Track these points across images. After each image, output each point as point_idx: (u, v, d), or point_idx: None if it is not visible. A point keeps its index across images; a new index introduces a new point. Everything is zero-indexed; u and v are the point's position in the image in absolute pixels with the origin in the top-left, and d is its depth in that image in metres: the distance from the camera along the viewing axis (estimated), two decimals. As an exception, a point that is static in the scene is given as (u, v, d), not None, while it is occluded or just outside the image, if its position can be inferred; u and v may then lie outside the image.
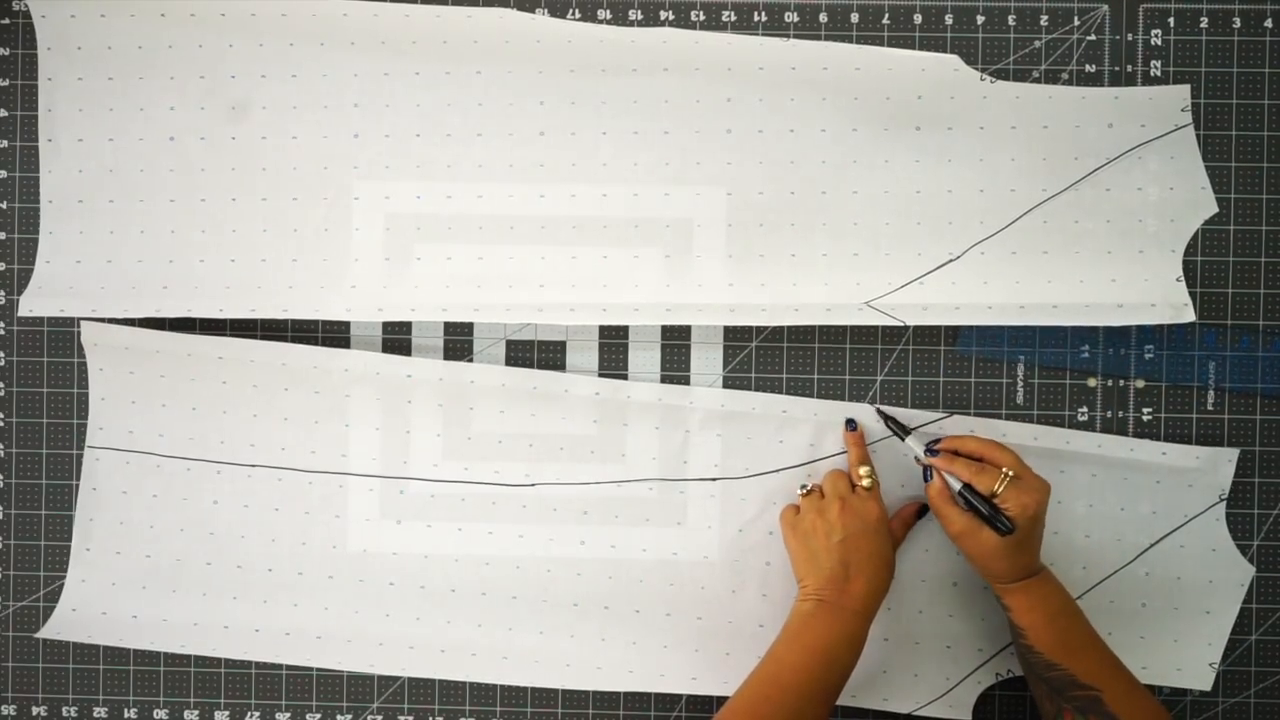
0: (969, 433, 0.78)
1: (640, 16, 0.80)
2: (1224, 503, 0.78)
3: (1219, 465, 0.78)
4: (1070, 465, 0.78)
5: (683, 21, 0.80)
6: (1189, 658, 0.78)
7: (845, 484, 0.75)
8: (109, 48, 0.79)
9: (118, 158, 0.79)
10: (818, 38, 0.79)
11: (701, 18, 0.80)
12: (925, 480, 0.74)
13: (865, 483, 0.75)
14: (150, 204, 0.79)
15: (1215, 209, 0.77)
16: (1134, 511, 0.78)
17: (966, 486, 0.71)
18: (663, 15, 0.80)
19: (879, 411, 0.78)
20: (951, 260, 0.78)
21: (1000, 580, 0.72)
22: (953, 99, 0.77)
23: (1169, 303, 0.77)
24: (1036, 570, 0.72)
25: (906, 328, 0.80)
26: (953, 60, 0.77)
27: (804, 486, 0.76)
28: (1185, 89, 0.77)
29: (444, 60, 0.79)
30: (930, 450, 0.74)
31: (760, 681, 0.69)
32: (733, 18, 0.80)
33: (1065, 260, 0.77)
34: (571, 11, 0.80)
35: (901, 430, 0.76)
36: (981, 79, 0.77)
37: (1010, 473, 0.70)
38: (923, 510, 0.78)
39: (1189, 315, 0.76)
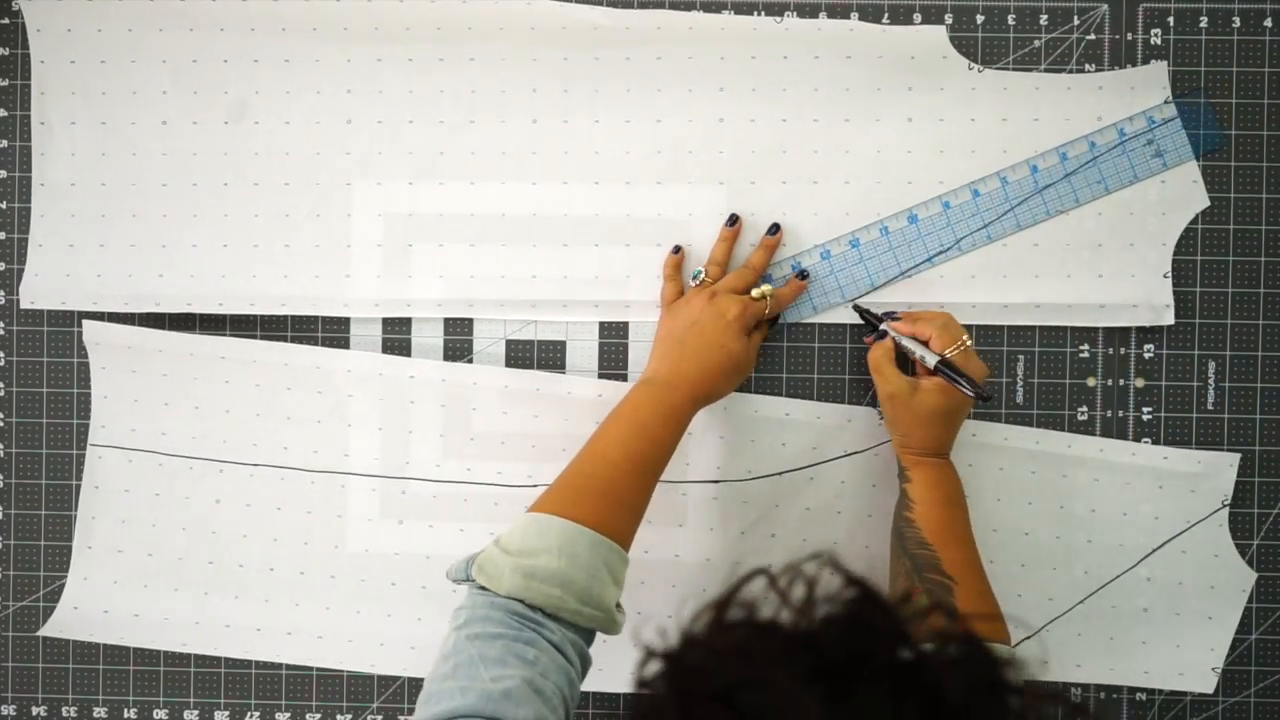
0: (971, 436, 0.78)
1: (642, 17, 0.80)
2: (1227, 508, 0.78)
3: (1220, 470, 0.78)
4: (1073, 470, 0.78)
5: (684, 21, 0.80)
6: (1191, 662, 0.78)
7: (735, 285, 0.75)
8: (99, 30, 0.79)
9: (109, 141, 0.79)
10: (819, 38, 0.80)
11: (703, 18, 0.80)
12: (875, 339, 0.75)
13: (755, 293, 0.75)
14: (142, 188, 0.79)
15: (1206, 203, 0.78)
16: (1136, 516, 0.78)
17: (943, 359, 0.71)
18: (665, 15, 0.80)
19: (855, 308, 0.79)
20: (944, 250, 0.78)
21: (915, 451, 0.73)
22: (942, 90, 0.78)
23: (1150, 304, 0.77)
24: (946, 454, 0.74)
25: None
26: (942, 45, 0.77)
27: (698, 274, 0.77)
28: (1162, 65, 0.78)
29: (437, 46, 0.79)
30: (891, 315, 0.75)
31: (582, 457, 0.69)
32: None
33: (1054, 253, 0.78)
34: (573, 11, 0.80)
35: (875, 320, 0.77)
36: (970, 68, 0.78)
37: (968, 341, 0.71)
38: (774, 320, 0.78)
39: (1169, 318, 0.77)
